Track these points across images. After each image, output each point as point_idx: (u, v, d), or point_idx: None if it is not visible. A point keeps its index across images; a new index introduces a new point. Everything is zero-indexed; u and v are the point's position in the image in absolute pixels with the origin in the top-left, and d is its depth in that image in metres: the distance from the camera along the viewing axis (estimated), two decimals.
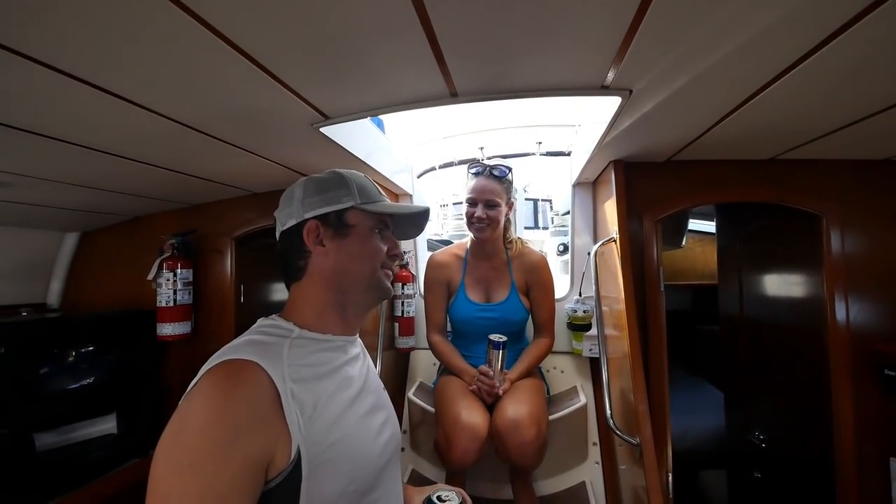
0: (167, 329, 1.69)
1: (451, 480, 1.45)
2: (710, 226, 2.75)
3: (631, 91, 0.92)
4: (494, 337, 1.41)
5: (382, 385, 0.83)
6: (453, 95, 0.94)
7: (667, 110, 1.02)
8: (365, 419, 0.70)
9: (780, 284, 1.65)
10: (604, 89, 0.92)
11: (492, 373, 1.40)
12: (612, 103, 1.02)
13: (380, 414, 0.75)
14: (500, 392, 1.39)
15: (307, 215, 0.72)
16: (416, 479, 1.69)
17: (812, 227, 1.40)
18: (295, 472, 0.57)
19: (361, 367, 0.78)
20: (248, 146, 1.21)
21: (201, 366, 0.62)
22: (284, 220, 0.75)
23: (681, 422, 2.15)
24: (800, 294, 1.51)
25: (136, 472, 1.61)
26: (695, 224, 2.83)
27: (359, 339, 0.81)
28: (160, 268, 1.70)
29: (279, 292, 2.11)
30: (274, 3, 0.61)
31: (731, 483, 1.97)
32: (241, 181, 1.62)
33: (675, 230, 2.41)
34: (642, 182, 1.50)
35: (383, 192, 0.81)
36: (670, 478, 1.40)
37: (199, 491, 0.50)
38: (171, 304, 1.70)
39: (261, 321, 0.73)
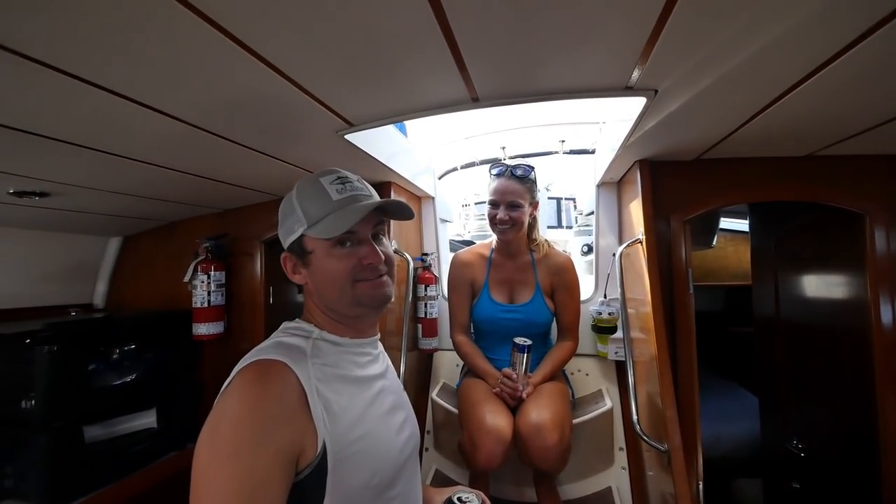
0: (202, 329, 1.78)
1: (474, 482, 1.46)
2: (743, 224, 2.64)
3: (656, 91, 0.90)
4: (519, 340, 1.40)
5: (402, 386, 0.85)
6: (475, 100, 0.95)
7: (694, 109, 0.99)
8: (385, 417, 0.73)
9: (820, 285, 1.57)
10: (628, 90, 0.91)
11: (515, 376, 1.40)
12: (636, 102, 1.00)
13: (399, 413, 0.78)
14: (524, 395, 1.38)
15: (286, 245, 0.76)
16: (440, 480, 1.71)
17: (855, 226, 1.33)
18: (321, 465, 0.61)
19: (381, 367, 0.80)
20: (276, 154, 1.25)
21: (233, 364, 0.67)
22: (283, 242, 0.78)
23: (713, 428, 2.08)
24: (841, 295, 1.44)
25: (175, 465, 1.70)
26: (727, 223, 2.73)
27: (379, 342, 0.83)
28: (195, 270, 1.78)
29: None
30: (304, 20, 0.63)
31: (767, 493, 1.89)
32: (268, 186, 1.68)
33: (705, 229, 2.33)
34: (669, 181, 1.46)
35: (349, 186, 0.74)
36: (701, 486, 1.36)
37: (237, 478, 0.54)
38: (206, 304, 1.78)
39: (285, 324, 0.77)
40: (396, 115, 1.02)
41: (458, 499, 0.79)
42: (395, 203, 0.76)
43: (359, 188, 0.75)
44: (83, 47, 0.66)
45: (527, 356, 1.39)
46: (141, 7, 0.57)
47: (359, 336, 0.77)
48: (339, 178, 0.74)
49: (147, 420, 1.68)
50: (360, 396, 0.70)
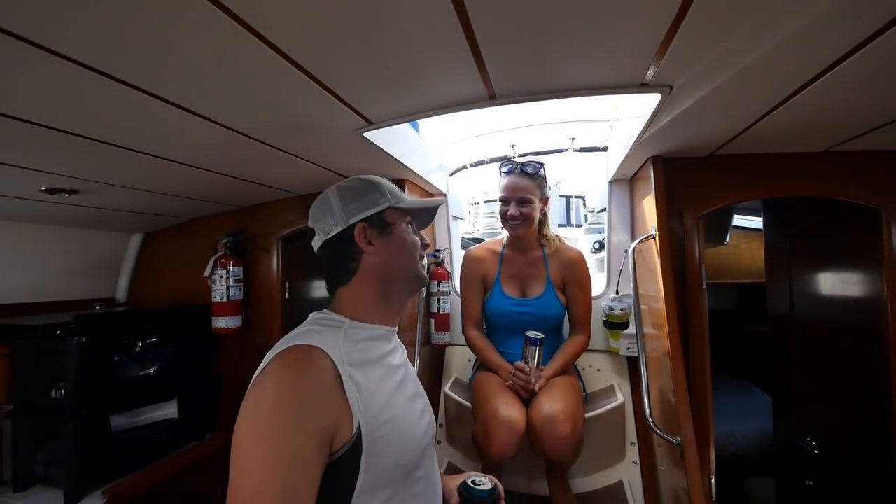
0: (221, 322, 1.82)
1: (487, 474, 1.48)
2: (756, 222, 2.62)
3: (672, 88, 0.92)
4: (531, 333, 1.42)
5: (417, 376, 0.89)
6: (492, 98, 0.97)
7: (709, 105, 1.00)
8: (409, 403, 0.77)
9: (835, 283, 1.57)
10: (643, 87, 0.92)
11: (528, 369, 1.42)
12: (650, 98, 1.01)
13: (419, 401, 0.81)
14: (536, 388, 1.40)
15: (352, 220, 0.78)
16: (453, 472, 1.72)
17: (871, 222, 1.32)
18: (356, 445, 0.64)
19: (401, 357, 0.84)
20: (295, 151, 1.29)
21: (251, 357, 0.70)
22: (328, 228, 0.79)
23: (726, 425, 2.08)
24: (857, 293, 1.43)
25: (195, 454, 1.75)
26: (740, 220, 2.70)
27: (396, 334, 0.87)
28: (214, 265, 1.83)
29: (320, 289, 2.21)
30: (325, 18, 0.65)
31: (780, 491, 1.89)
32: (286, 184, 1.71)
33: (718, 226, 2.32)
34: (683, 177, 1.46)
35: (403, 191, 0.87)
36: (713, 481, 1.37)
37: (276, 455, 0.57)
38: (224, 299, 1.82)
39: (313, 315, 0.80)
40: (415, 113, 1.05)
41: (472, 482, 0.82)
42: (434, 213, 0.91)
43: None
44: (118, 47, 0.69)
45: (539, 349, 1.41)
46: (172, 6, 0.60)
47: (389, 323, 0.82)
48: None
49: (169, 410, 1.73)
50: (386, 381, 0.73)
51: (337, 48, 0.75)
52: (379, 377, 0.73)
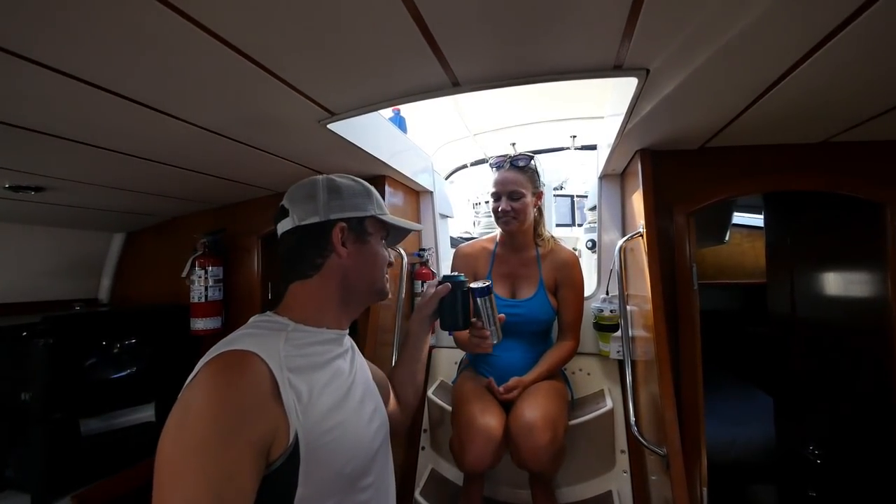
0: (199, 324, 1.78)
1: (468, 483, 1.41)
2: (759, 220, 2.53)
3: (648, 71, 0.85)
4: (475, 285, 1.07)
5: (370, 377, 0.86)
6: (455, 84, 0.91)
7: (690, 90, 0.92)
8: (357, 407, 0.74)
9: (838, 282, 1.48)
10: (617, 69, 0.85)
11: (480, 323, 1.06)
12: (630, 87, 0.95)
13: (369, 404, 0.79)
14: (494, 343, 1.07)
15: (332, 216, 0.75)
16: (436, 480, 1.67)
17: (874, 217, 1.24)
18: (293, 456, 0.61)
19: (352, 360, 0.81)
20: (263, 146, 1.24)
21: None
22: (304, 215, 0.75)
23: (728, 431, 1.99)
24: (860, 293, 1.34)
25: None
26: (742, 218, 2.62)
27: (348, 336, 0.83)
28: (193, 265, 1.79)
29: None
30: (265, 3, 0.61)
31: (782, 500, 1.80)
32: (263, 181, 1.67)
33: (717, 224, 2.23)
34: (673, 172, 1.38)
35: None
36: (705, 492, 1.29)
37: (206, 471, 0.53)
38: (203, 300, 1.78)
39: (255, 318, 0.75)
40: (378, 102, 0.99)
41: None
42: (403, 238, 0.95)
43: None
44: (77, 48, 0.68)
45: (487, 299, 1.05)
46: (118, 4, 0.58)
47: (339, 327, 0.79)
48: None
49: (146, 414, 1.69)
50: (332, 386, 0.70)
51: (282, 35, 0.70)
52: (324, 382, 0.69)
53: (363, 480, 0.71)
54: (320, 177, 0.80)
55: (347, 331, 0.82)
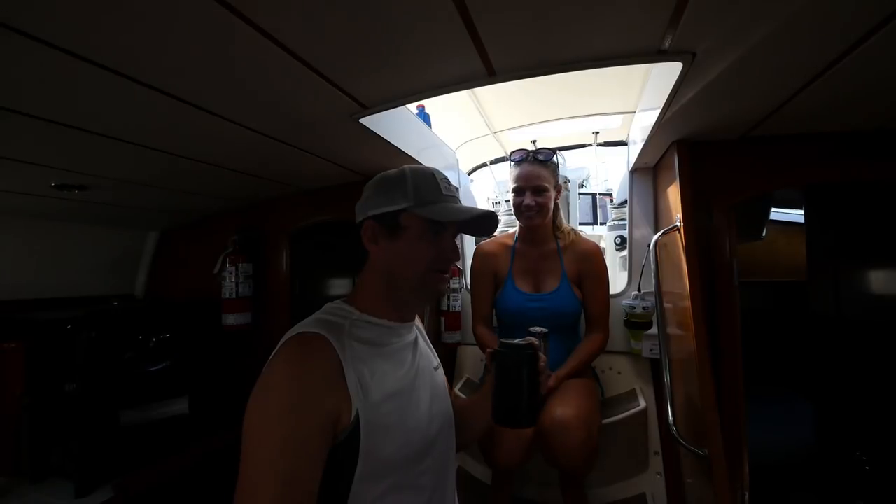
0: (230, 319, 1.82)
1: (497, 481, 1.40)
2: (795, 215, 2.42)
3: (694, 54, 0.81)
4: (535, 329, 1.26)
5: (434, 367, 0.87)
6: (491, 74, 0.89)
7: (738, 75, 0.88)
8: (415, 394, 0.77)
9: (889, 280, 1.40)
10: (661, 54, 0.82)
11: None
12: (671, 74, 0.91)
13: (428, 393, 0.80)
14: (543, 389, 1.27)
15: (369, 213, 0.78)
16: (463, 477, 1.66)
17: None
18: (354, 434, 0.66)
19: (415, 349, 0.83)
20: (297, 143, 1.25)
21: (261, 353, 0.71)
22: (357, 214, 0.81)
23: (766, 435, 1.91)
24: None
25: (205, 450, 1.75)
26: (778, 214, 2.51)
27: (416, 326, 0.87)
28: (224, 262, 1.83)
29: (331, 286, 2.18)
30: None
31: None
32: (294, 178, 1.69)
33: (754, 219, 2.14)
34: (711, 163, 1.33)
35: (452, 189, 0.79)
36: (747, 496, 1.24)
37: (284, 436, 0.60)
38: (234, 296, 1.82)
39: (327, 305, 0.80)
40: (410, 95, 0.98)
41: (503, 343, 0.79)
42: (491, 222, 0.82)
43: (456, 194, 0.81)
44: (124, 44, 0.69)
45: (543, 344, 1.21)
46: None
47: (399, 320, 0.81)
48: (445, 177, 0.80)
49: (179, 407, 1.73)
50: (390, 374, 0.74)
51: (320, 26, 0.70)
52: (384, 368, 0.73)
53: (418, 466, 0.74)
54: (385, 172, 0.80)
55: (412, 323, 0.85)
